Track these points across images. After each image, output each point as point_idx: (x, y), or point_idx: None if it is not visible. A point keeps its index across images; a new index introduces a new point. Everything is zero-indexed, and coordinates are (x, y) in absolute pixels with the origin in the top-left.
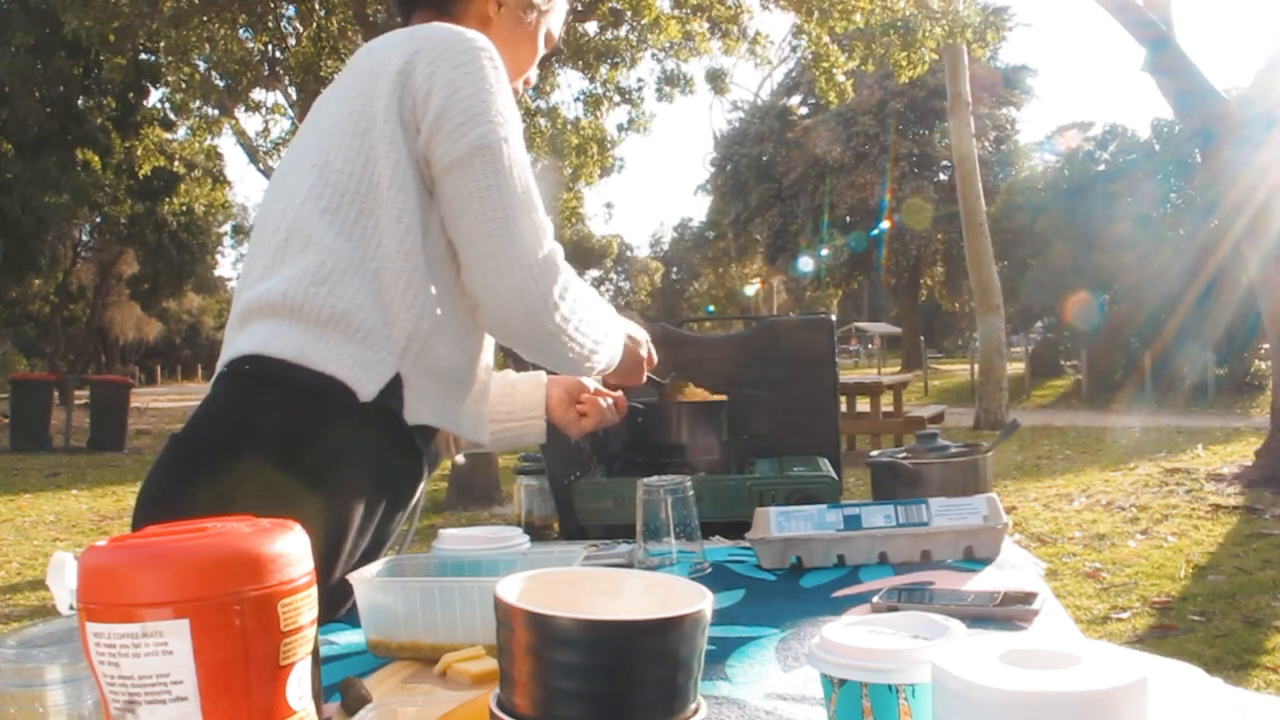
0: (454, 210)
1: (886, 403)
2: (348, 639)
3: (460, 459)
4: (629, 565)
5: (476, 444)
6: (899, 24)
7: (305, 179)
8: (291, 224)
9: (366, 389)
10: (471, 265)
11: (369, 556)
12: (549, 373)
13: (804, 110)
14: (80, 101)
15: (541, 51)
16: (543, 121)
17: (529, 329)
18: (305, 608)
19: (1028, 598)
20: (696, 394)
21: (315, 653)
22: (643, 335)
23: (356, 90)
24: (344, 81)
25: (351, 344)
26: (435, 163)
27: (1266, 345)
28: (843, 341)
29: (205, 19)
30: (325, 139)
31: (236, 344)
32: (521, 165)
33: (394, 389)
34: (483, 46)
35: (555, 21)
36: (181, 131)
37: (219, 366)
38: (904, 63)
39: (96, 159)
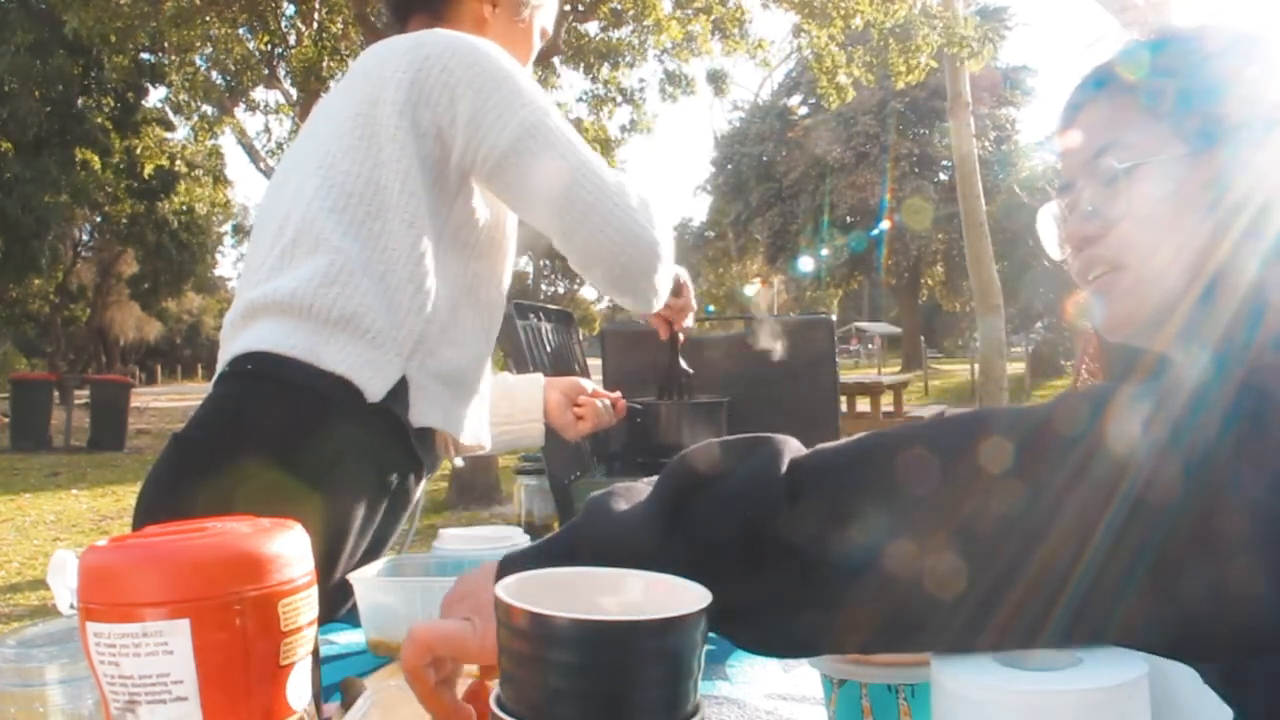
0: (526, 195)
1: (887, 403)
2: (348, 639)
3: (459, 461)
4: None
5: (477, 448)
6: (898, 28)
7: (311, 179)
8: (299, 225)
9: (374, 389)
10: (571, 234)
11: (369, 556)
12: (546, 375)
13: (804, 110)
14: (80, 101)
15: (537, 47)
16: None
17: (647, 266)
18: (305, 608)
19: None
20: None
21: (315, 653)
22: (684, 275)
23: (360, 94)
24: (347, 84)
25: (360, 345)
26: (484, 161)
27: None
28: (843, 341)
29: (207, 19)
30: (330, 141)
31: (239, 341)
32: (570, 130)
33: (400, 391)
34: (489, 45)
35: (547, 17)
36: (182, 131)
37: (220, 365)
38: (902, 68)
39: (96, 159)
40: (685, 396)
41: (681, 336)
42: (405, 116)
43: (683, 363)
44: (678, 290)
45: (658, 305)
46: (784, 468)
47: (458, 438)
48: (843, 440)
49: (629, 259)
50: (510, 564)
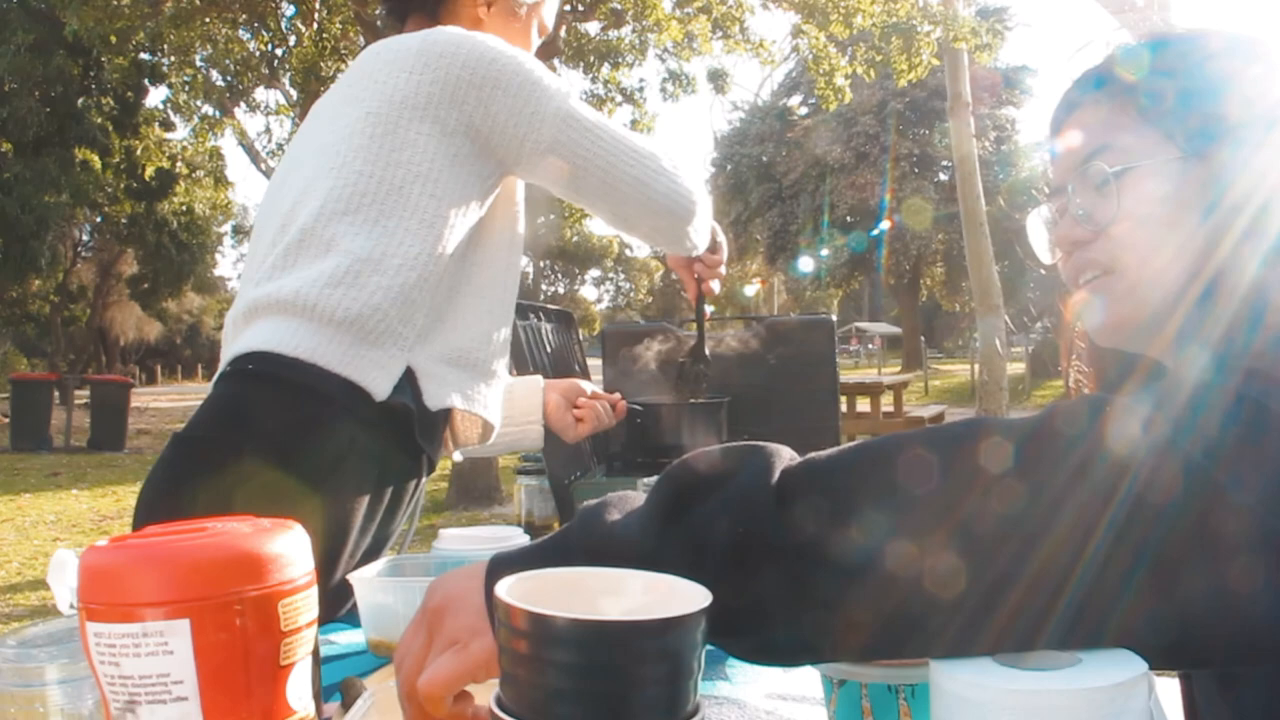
0: (574, 181)
1: (887, 403)
2: (348, 639)
3: (458, 456)
4: None
5: (477, 443)
6: (900, 26)
7: (322, 180)
8: (307, 225)
9: (380, 389)
10: (620, 207)
11: (369, 556)
12: (546, 376)
13: (804, 110)
14: (80, 101)
15: (536, 43)
16: None
17: (686, 220)
18: (305, 608)
19: None
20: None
21: (315, 653)
22: (720, 235)
23: (371, 93)
24: (353, 83)
25: (364, 345)
26: (529, 157)
27: None
28: (843, 341)
29: (206, 19)
30: (340, 141)
31: (241, 341)
32: (591, 110)
33: (408, 382)
34: (499, 41)
35: (547, 12)
36: (182, 132)
37: (221, 364)
38: (904, 66)
39: (96, 159)
40: (701, 383)
41: (707, 310)
42: (428, 118)
43: (707, 351)
44: (714, 248)
45: (698, 251)
46: (775, 476)
47: (481, 415)
48: (834, 449)
49: (674, 217)
50: (500, 565)
